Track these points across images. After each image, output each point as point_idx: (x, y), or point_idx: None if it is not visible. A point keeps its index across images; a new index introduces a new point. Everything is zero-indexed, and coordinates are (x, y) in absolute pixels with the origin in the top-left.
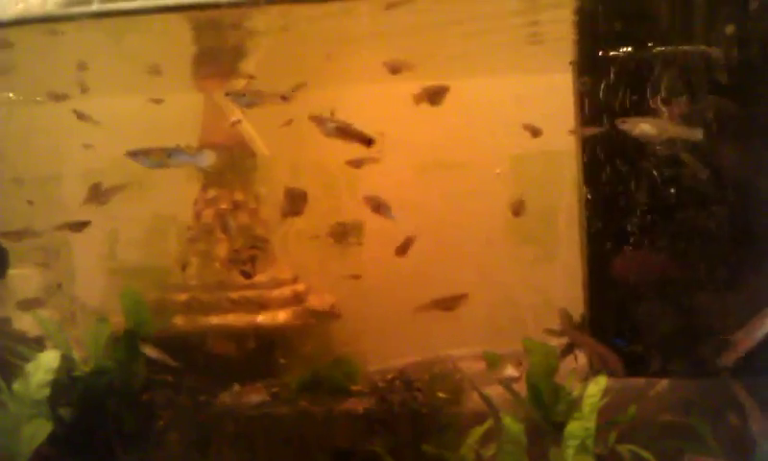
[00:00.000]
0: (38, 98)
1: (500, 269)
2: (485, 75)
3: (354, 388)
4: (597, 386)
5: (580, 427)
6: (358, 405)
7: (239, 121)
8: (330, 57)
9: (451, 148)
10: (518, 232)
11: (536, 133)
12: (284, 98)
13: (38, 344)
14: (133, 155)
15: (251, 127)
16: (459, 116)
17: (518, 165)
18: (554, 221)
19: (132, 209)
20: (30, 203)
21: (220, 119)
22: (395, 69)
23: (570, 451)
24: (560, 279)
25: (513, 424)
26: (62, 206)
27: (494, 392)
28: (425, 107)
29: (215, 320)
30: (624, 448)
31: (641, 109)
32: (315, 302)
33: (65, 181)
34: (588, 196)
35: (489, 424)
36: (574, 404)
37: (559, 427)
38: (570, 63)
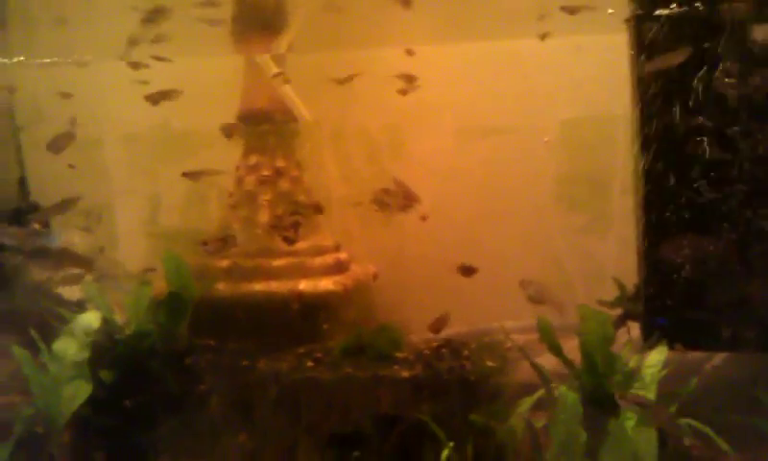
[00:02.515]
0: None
1: (550, 238)
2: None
3: (399, 355)
4: (659, 355)
5: None
6: (403, 372)
7: (280, 73)
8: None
9: (500, 112)
10: (569, 200)
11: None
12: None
13: (80, 307)
14: None
15: (293, 91)
16: (508, 79)
17: (569, 130)
18: (608, 188)
19: (173, 174)
20: (71, 166)
21: (261, 83)
22: None
23: (630, 423)
24: (612, 248)
25: (568, 394)
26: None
27: (545, 362)
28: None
29: (257, 286)
30: (683, 422)
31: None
32: (357, 270)
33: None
34: (645, 162)
35: (539, 393)
36: (631, 375)
37: (614, 399)
38: (626, 21)
